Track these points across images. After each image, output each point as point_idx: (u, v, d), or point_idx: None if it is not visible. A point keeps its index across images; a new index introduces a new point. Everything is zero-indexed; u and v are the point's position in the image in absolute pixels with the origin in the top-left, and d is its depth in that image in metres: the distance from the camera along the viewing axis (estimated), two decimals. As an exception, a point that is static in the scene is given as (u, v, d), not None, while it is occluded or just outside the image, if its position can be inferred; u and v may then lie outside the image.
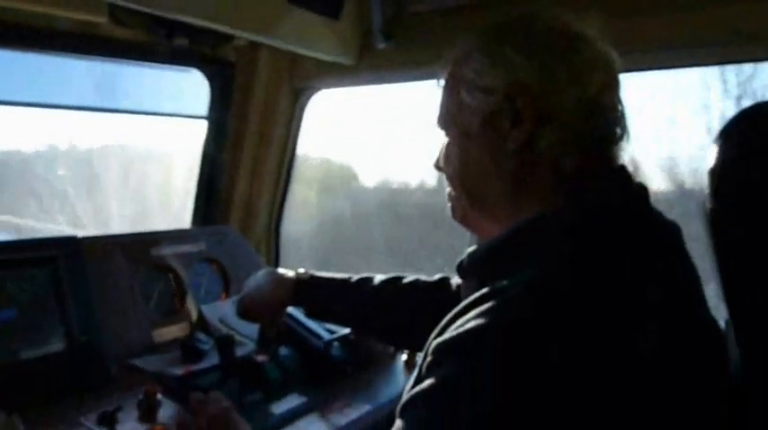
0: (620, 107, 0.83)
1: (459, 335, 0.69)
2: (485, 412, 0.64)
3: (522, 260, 0.75)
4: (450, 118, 0.89)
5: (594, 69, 0.80)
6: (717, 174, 0.75)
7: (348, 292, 1.33)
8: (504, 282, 0.71)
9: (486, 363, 0.66)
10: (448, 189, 0.93)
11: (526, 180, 0.81)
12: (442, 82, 0.91)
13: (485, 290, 0.72)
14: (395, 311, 1.29)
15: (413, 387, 0.74)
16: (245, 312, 1.42)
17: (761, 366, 0.76)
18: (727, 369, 0.78)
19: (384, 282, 1.32)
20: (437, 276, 1.32)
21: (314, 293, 1.35)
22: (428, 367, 0.72)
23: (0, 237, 2.05)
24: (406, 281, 1.32)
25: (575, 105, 0.78)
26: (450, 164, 0.90)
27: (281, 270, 1.44)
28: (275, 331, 1.44)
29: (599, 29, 0.82)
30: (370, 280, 1.34)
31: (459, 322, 0.71)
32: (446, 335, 0.71)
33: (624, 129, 0.83)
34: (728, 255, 0.77)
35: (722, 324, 0.82)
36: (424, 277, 1.33)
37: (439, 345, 0.71)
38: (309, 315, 1.40)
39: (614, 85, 0.83)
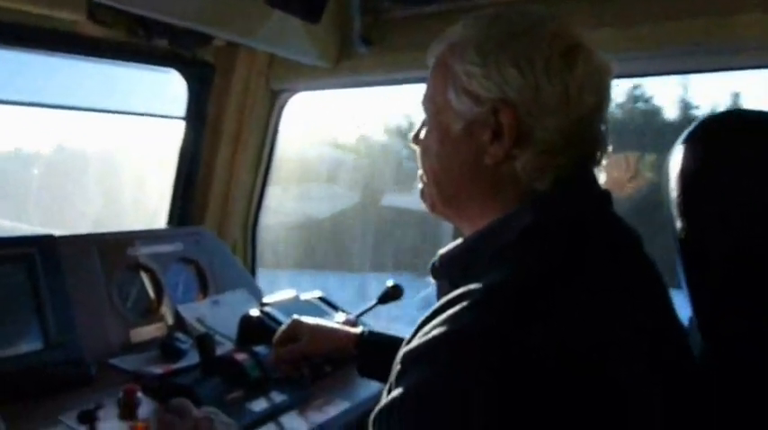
0: (603, 128, 0.83)
1: (424, 343, 0.69)
2: (449, 420, 0.64)
3: (487, 265, 0.76)
4: (433, 108, 0.86)
5: (587, 90, 0.78)
6: (685, 178, 0.79)
7: None
8: (470, 287, 0.71)
9: (448, 372, 0.66)
10: (420, 172, 0.92)
11: (498, 192, 0.81)
12: (433, 60, 0.87)
13: (450, 295, 0.72)
14: None
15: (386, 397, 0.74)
16: (296, 341, 1.34)
17: (723, 360, 0.80)
18: (690, 364, 0.81)
19: None
20: None
21: (375, 351, 1.29)
22: (396, 377, 0.72)
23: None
24: None
25: (557, 132, 0.77)
26: (427, 155, 0.89)
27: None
28: (306, 375, 1.40)
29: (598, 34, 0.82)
30: None
31: (425, 329, 0.71)
32: (413, 343, 0.70)
33: (604, 150, 0.83)
34: (695, 255, 0.80)
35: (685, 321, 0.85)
36: None
37: (405, 354, 0.71)
38: (364, 372, 1.32)
39: (603, 106, 0.82)
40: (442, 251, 0.87)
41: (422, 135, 0.91)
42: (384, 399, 0.72)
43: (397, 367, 0.72)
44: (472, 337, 0.66)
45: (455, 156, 0.84)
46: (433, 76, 0.87)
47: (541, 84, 0.76)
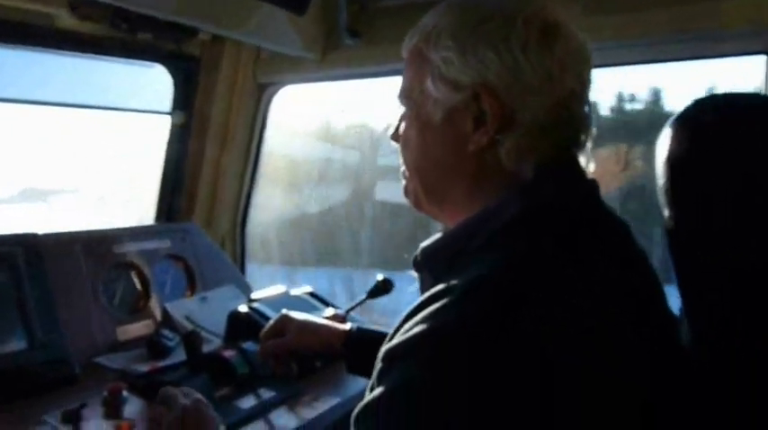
0: (586, 110, 0.81)
1: (406, 340, 0.67)
2: (433, 419, 0.63)
3: (471, 257, 0.74)
4: (411, 100, 0.85)
5: (567, 71, 0.77)
6: (672, 164, 0.77)
7: None
8: (452, 282, 0.69)
9: (430, 369, 0.64)
10: (402, 168, 0.90)
11: (482, 180, 0.80)
12: (407, 53, 0.85)
13: (434, 290, 0.70)
14: None
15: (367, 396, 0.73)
16: (283, 337, 1.28)
17: (711, 352, 0.77)
18: (679, 354, 0.79)
19: None
20: None
21: (363, 347, 1.23)
22: (378, 375, 0.70)
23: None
24: None
25: (541, 112, 0.76)
26: (408, 148, 0.87)
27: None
28: (293, 370, 1.33)
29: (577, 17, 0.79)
30: None
31: (407, 326, 0.69)
32: (394, 341, 0.69)
33: (588, 132, 0.82)
34: (684, 242, 0.78)
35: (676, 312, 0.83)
36: None
37: (387, 352, 0.69)
38: (353, 369, 1.28)
39: (585, 88, 0.81)
40: (424, 244, 0.85)
41: (401, 130, 0.89)
42: (366, 397, 0.71)
43: (378, 365, 0.71)
44: (455, 333, 0.64)
45: (437, 146, 0.82)
46: (408, 68, 0.85)
47: (521, 64, 0.74)
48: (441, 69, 0.79)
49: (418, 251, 0.86)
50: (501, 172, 0.78)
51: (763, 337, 0.71)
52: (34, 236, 1.47)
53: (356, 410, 0.70)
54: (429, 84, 0.80)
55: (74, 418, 1.15)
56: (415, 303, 0.72)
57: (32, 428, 1.15)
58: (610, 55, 1.46)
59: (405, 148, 0.88)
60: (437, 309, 0.67)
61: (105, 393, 1.22)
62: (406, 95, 0.86)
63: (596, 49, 0.82)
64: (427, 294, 0.70)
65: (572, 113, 0.79)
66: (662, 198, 0.78)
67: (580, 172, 0.82)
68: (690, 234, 0.76)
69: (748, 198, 0.71)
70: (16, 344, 1.34)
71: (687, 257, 0.77)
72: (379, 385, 0.68)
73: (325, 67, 1.85)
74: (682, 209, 0.76)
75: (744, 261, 0.72)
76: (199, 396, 1.09)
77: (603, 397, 0.66)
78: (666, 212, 0.77)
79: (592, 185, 0.82)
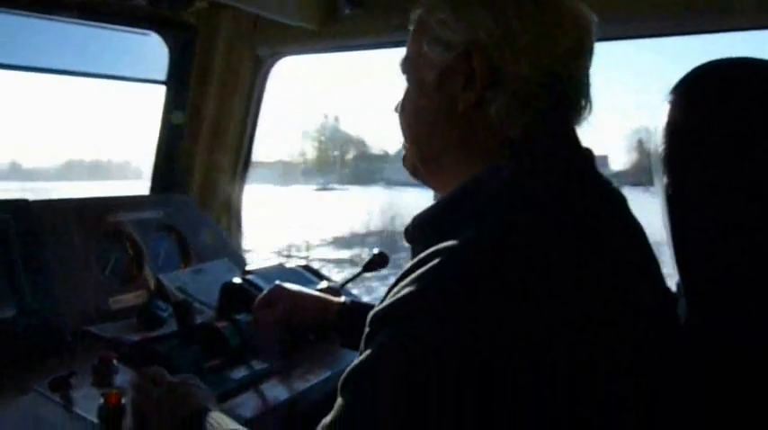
0: (582, 76, 0.80)
1: (393, 303, 0.67)
2: (418, 381, 0.62)
3: (460, 224, 0.72)
4: (410, 65, 0.86)
5: (561, 33, 0.76)
6: (673, 131, 0.75)
7: None
8: (441, 245, 0.68)
9: (416, 331, 0.64)
10: (402, 139, 0.91)
11: (472, 142, 0.79)
12: (413, 26, 0.87)
13: (422, 254, 0.69)
14: None
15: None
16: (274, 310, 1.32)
17: (710, 327, 0.76)
18: (675, 331, 0.78)
19: None
20: None
21: (356, 321, 1.27)
22: (365, 339, 0.70)
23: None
24: None
25: (531, 72, 0.75)
26: (404, 114, 0.88)
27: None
28: (286, 342, 1.36)
29: None
30: None
31: (396, 289, 0.69)
32: (382, 304, 0.69)
33: (588, 99, 0.80)
34: (683, 213, 0.76)
35: (673, 287, 0.82)
36: None
37: (375, 315, 0.69)
38: (346, 342, 1.29)
39: (581, 53, 0.79)
40: (416, 215, 0.83)
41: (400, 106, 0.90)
42: (354, 361, 0.69)
43: (366, 329, 0.70)
44: (438, 296, 0.64)
45: (430, 110, 0.83)
46: (411, 37, 0.86)
47: (513, 25, 0.75)
48: (435, 31, 0.80)
49: (410, 222, 0.84)
50: (490, 132, 0.77)
51: (763, 309, 0.69)
52: (25, 202, 1.45)
53: (344, 374, 0.69)
54: (425, 46, 0.81)
55: (62, 386, 1.14)
56: (406, 267, 0.70)
57: (22, 396, 1.14)
58: (616, 28, 1.43)
59: (401, 116, 0.88)
60: (423, 273, 0.66)
61: (95, 361, 1.21)
62: (406, 60, 0.87)
63: (602, 21, 0.80)
64: (417, 258, 0.69)
65: (564, 74, 0.77)
66: (659, 165, 0.76)
67: (574, 137, 0.80)
68: (687, 201, 0.74)
69: (747, 164, 0.69)
70: (5, 311, 1.32)
71: (684, 226, 0.75)
72: (365, 349, 0.68)
73: (324, 37, 1.81)
74: (679, 176, 0.74)
75: (742, 229, 0.70)
76: (189, 375, 1.09)
77: (590, 367, 0.64)
78: (665, 180, 0.75)
79: (586, 153, 0.80)
